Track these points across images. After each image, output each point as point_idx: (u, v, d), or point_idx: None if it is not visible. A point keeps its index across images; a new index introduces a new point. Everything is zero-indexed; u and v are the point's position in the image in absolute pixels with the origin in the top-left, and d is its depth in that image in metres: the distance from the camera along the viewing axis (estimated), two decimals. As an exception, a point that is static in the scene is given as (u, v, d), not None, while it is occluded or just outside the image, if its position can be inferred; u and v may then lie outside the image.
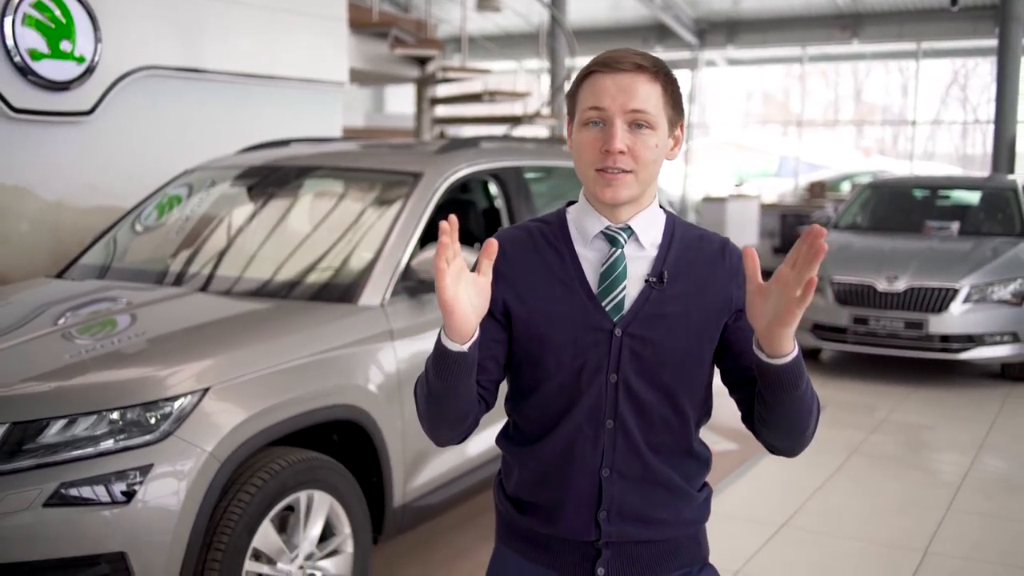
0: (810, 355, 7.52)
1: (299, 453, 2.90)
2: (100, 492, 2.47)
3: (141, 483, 2.50)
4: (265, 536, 2.78)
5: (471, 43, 11.70)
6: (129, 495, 2.49)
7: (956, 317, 6.74)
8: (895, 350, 6.94)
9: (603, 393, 1.57)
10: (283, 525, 2.91)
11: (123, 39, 5.24)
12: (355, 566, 3.08)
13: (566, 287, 1.59)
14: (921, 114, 17.89)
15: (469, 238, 4.80)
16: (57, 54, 4.89)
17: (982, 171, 15.73)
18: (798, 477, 4.76)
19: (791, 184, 17.55)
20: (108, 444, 2.51)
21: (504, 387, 1.68)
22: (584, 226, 1.62)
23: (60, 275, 3.93)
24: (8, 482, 2.45)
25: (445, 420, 1.57)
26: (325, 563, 3.00)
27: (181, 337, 2.99)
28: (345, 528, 3.05)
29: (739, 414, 1.66)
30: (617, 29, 16.90)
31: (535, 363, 1.60)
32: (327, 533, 3.03)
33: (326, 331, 3.13)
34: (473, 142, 4.30)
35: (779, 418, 1.53)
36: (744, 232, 12.47)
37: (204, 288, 3.50)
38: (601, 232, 1.61)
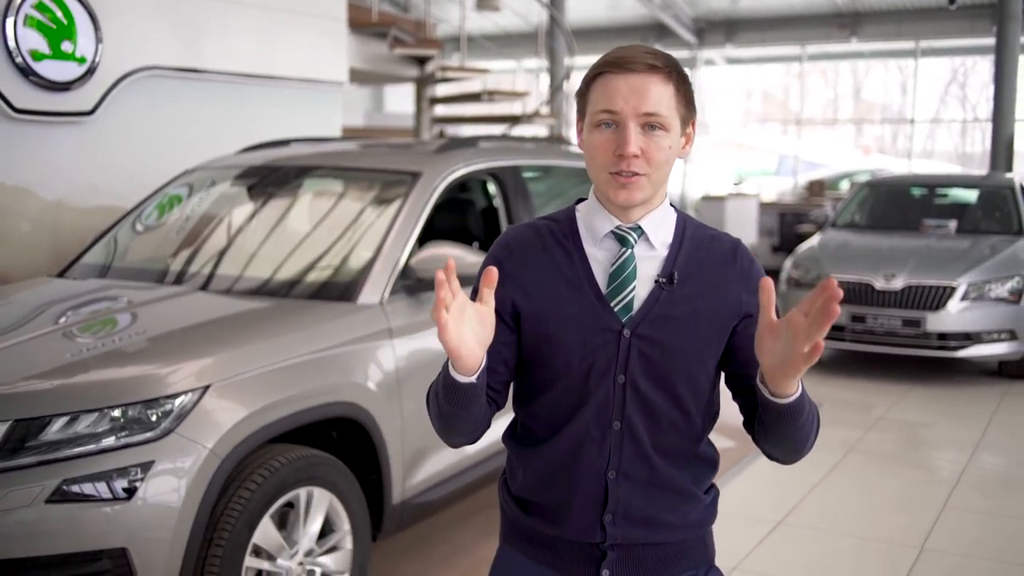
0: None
1: (299, 450, 2.92)
2: (102, 489, 2.49)
3: (142, 480, 2.52)
4: (265, 532, 2.80)
5: (470, 43, 11.70)
6: (130, 492, 2.51)
7: (954, 315, 6.75)
8: (893, 348, 6.95)
9: (611, 394, 1.55)
10: (283, 521, 2.92)
11: (124, 39, 5.25)
12: (354, 562, 3.10)
13: (575, 287, 1.57)
14: (920, 112, 17.89)
15: (468, 237, 4.82)
16: (58, 55, 4.91)
17: (981, 169, 15.73)
18: (795, 474, 4.77)
19: (790, 183, 17.55)
20: (109, 441, 2.54)
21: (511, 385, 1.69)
22: (594, 225, 1.60)
23: (61, 274, 3.96)
24: (10, 479, 2.47)
25: (458, 433, 1.59)
26: (324, 559, 3.02)
27: (181, 335, 3.01)
28: (344, 524, 3.07)
29: (738, 414, 1.66)
30: (616, 28, 16.90)
31: (545, 364, 1.58)
32: (326, 529, 3.05)
33: (325, 329, 3.15)
34: (472, 141, 4.32)
35: (778, 439, 1.54)
36: (743, 231, 12.48)
37: (204, 287, 3.52)
38: (611, 232, 1.58)
